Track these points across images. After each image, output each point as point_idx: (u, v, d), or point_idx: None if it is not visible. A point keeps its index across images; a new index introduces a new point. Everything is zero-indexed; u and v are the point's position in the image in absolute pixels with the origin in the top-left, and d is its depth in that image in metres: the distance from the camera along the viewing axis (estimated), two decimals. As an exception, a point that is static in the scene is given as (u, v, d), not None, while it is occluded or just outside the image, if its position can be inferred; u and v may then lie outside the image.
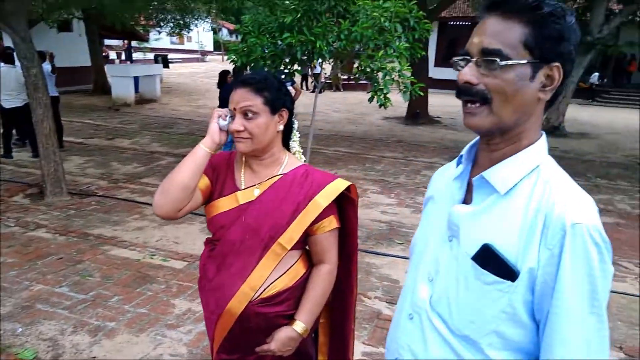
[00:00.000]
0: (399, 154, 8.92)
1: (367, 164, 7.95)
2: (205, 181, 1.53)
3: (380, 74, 5.53)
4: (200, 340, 2.96)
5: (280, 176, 1.53)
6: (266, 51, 5.60)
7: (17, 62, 6.32)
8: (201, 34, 38.02)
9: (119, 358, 2.79)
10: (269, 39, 5.57)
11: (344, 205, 1.61)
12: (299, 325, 1.52)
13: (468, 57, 0.92)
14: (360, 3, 5.60)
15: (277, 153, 1.55)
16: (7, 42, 9.82)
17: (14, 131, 7.70)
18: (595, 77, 19.13)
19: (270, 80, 1.48)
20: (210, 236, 1.60)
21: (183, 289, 3.59)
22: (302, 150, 1.72)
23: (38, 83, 5.30)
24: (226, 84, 7.35)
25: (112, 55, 28.31)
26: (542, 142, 0.95)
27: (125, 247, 4.31)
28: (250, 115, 1.43)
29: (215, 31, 42.60)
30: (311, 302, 1.54)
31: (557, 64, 0.88)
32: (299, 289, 1.55)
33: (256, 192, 1.52)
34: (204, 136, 1.47)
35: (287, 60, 5.86)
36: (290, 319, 1.53)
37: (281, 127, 1.52)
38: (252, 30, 5.65)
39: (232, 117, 1.46)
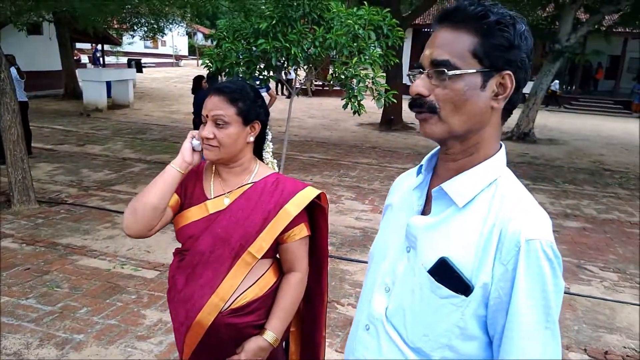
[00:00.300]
0: (373, 160, 8.99)
1: (341, 170, 7.98)
2: (174, 198, 1.51)
3: (354, 81, 5.57)
4: (171, 352, 2.91)
5: (250, 185, 1.53)
6: (241, 57, 5.58)
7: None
8: (176, 38, 37.60)
9: (88, 371, 2.73)
10: (244, 44, 5.56)
11: (315, 213, 1.61)
12: (270, 335, 1.51)
13: (421, 70, 0.93)
14: (334, 10, 5.66)
15: (247, 162, 1.54)
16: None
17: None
18: (555, 84, 19.68)
19: (246, 91, 1.48)
20: (180, 246, 1.58)
21: (154, 299, 3.53)
22: (275, 161, 1.71)
23: (5, 88, 5.17)
24: (201, 89, 7.28)
25: (84, 59, 27.76)
26: (501, 155, 0.96)
27: (95, 257, 4.22)
28: (221, 124, 1.43)
29: (190, 35, 42.19)
30: (282, 311, 1.54)
31: (508, 72, 0.88)
32: (270, 298, 1.54)
33: (226, 201, 1.51)
34: (177, 142, 1.47)
35: (262, 66, 5.86)
36: (260, 329, 1.52)
37: (252, 139, 1.51)
38: (226, 35, 5.62)
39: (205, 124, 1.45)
